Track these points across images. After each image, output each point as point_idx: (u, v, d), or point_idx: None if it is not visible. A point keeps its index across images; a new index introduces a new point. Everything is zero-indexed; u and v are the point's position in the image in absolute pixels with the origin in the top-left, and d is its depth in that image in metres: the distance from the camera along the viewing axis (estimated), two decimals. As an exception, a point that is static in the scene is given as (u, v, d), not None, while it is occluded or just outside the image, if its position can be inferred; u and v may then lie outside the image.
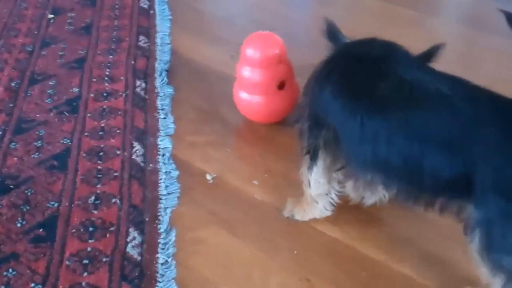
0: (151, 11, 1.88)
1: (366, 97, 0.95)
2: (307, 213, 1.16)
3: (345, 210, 1.18)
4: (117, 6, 1.89)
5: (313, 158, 1.09)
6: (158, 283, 1.01)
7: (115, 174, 1.23)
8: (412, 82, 0.92)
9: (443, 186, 0.90)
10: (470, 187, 0.86)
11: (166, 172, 1.25)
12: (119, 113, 1.41)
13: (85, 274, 1.02)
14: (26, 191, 1.19)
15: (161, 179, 1.23)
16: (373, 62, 0.97)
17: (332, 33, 1.10)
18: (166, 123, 1.39)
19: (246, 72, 1.34)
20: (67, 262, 1.04)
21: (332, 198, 1.13)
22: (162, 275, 1.02)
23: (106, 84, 1.51)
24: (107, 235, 1.09)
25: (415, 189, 0.94)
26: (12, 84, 1.51)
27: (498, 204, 0.84)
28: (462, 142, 0.86)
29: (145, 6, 1.90)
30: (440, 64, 1.01)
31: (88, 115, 1.40)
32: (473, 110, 0.87)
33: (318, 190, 1.12)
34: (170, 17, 1.86)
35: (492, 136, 0.85)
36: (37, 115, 1.40)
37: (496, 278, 0.88)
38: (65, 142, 1.32)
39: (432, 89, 0.90)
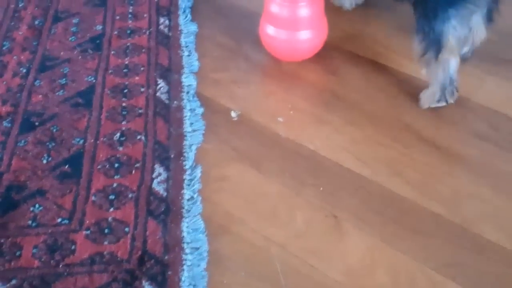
0: None
1: None
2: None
3: (373, 147, 1.16)
4: None
5: None
6: (184, 218, 1.02)
7: (140, 111, 1.22)
8: None
9: None
10: None
11: (190, 109, 1.24)
12: (143, 50, 1.39)
13: (111, 209, 1.03)
14: (52, 128, 1.19)
15: (185, 116, 1.22)
16: None
17: None
18: (190, 61, 1.37)
19: (275, 7, 1.30)
20: (93, 198, 1.05)
21: None
22: (188, 211, 1.03)
23: (130, 22, 1.49)
24: (133, 171, 1.09)
25: None
26: (36, 22, 1.50)
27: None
28: None
29: None
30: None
31: (112, 52, 1.39)
32: None
33: None
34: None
35: None
36: (61, 53, 1.39)
37: (420, 45, 1.18)
38: (89, 79, 1.31)
39: None
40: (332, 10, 1.48)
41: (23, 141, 1.17)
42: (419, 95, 1.26)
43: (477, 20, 1.24)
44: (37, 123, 1.20)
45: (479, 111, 1.24)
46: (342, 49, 1.42)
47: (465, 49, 1.30)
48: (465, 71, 1.34)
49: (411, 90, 1.30)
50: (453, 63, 1.20)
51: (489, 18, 1.25)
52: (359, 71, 1.36)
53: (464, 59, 1.32)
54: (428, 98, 1.25)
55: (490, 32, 1.36)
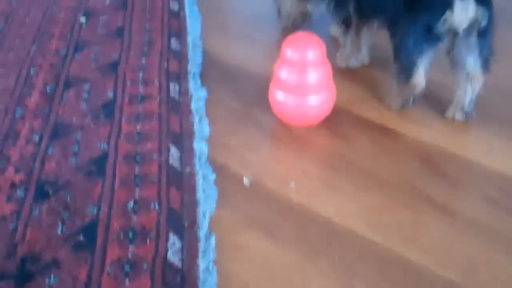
0: (181, 13, 1.88)
1: None
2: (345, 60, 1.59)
3: (385, 213, 1.17)
4: (148, 9, 1.89)
5: (347, 24, 1.54)
6: (199, 289, 1.01)
7: (153, 178, 1.23)
8: None
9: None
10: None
11: (203, 175, 1.25)
12: (154, 116, 1.41)
13: (127, 281, 1.02)
14: (65, 197, 1.20)
15: (198, 183, 1.23)
16: None
17: None
18: (201, 126, 1.39)
19: (284, 73, 1.33)
20: (108, 269, 1.05)
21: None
22: (204, 282, 1.02)
23: (140, 88, 1.51)
24: (147, 241, 1.09)
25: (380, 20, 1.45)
26: (48, 89, 1.53)
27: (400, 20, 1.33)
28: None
29: (175, 9, 1.90)
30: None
31: (124, 119, 1.41)
32: None
33: (351, 47, 1.57)
34: (201, 19, 1.85)
35: None
36: (73, 120, 1.41)
37: (395, 65, 1.38)
38: (102, 146, 1.33)
39: None
40: (339, 73, 1.52)
41: (37, 210, 1.17)
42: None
43: (472, 66, 1.32)
44: (50, 192, 1.21)
45: (489, 175, 1.26)
46: (351, 113, 1.45)
47: (468, 99, 1.36)
48: (473, 134, 1.37)
49: (421, 155, 1.31)
50: (419, 88, 1.37)
51: (486, 67, 1.33)
52: (368, 135, 1.37)
53: (468, 117, 1.37)
54: (391, 102, 1.44)
55: (496, 94, 1.39)
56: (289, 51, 1.33)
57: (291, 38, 1.35)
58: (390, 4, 1.37)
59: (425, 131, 1.38)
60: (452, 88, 1.39)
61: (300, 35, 1.36)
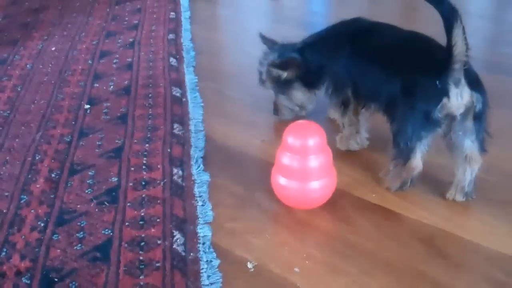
0: (184, 99, 1.93)
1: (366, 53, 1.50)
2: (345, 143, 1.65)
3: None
4: (150, 95, 1.95)
5: (346, 106, 1.59)
6: None
7: (157, 264, 1.24)
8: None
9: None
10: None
11: (207, 261, 1.26)
12: (158, 201, 1.43)
13: None
14: (71, 284, 1.20)
15: (202, 268, 1.23)
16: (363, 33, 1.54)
17: (267, 40, 1.80)
18: (204, 211, 1.41)
19: (286, 159, 1.37)
20: None
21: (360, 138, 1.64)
22: None
23: (144, 173, 1.54)
24: (153, 329, 1.09)
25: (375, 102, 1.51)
26: (53, 175, 1.55)
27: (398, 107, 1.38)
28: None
29: (178, 95, 1.96)
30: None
31: (128, 204, 1.42)
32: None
33: (350, 130, 1.63)
34: (202, 104, 1.91)
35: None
36: (78, 206, 1.43)
37: (393, 151, 1.42)
38: (106, 232, 1.34)
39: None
40: (339, 156, 1.56)
41: (42, 299, 1.17)
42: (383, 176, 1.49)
43: (470, 148, 1.36)
44: (56, 279, 1.21)
45: (492, 257, 1.26)
46: (352, 196, 1.47)
47: (467, 181, 1.39)
48: (473, 215, 1.38)
49: (423, 236, 1.33)
50: (417, 170, 1.41)
51: (483, 148, 1.37)
52: (370, 218, 1.39)
53: (468, 197, 1.40)
54: (388, 183, 1.47)
55: (493, 175, 1.41)
56: (290, 139, 1.37)
57: (292, 126, 1.39)
58: (386, 90, 1.42)
59: (426, 213, 1.39)
60: (451, 170, 1.42)
61: (301, 123, 1.40)
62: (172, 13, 2.77)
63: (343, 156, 1.60)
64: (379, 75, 1.44)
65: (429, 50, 1.38)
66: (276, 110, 1.80)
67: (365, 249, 1.30)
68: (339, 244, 1.32)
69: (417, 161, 1.39)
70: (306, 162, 1.36)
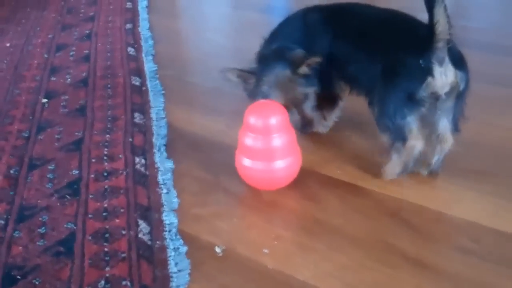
0: (143, 88, 1.90)
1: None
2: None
3: (361, 271, 1.16)
4: (109, 86, 1.91)
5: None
6: None
7: (123, 255, 1.21)
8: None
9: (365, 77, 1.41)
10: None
11: (174, 248, 1.23)
12: (121, 191, 1.39)
13: None
14: (34, 281, 1.16)
15: (169, 256, 1.21)
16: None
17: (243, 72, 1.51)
18: (169, 198, 1.38)
19: (249, 140, 1.35)
20: None
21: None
22: None
23: (106, 164, 1.50)
24: (121, 320, 1.06)
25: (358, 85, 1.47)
26: (11, 172, 1.50)
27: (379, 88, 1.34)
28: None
29: (137, 83, 1.92)
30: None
31: (90, 196, 1.39)
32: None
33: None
34: (163, 92, 1.88)
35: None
36: (39, 201, 1.39)
37: (385, 135, 1.35)
38: (69, 226, 1.30)
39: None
40: (305, 136, 1.54)
41: (5, 298, 1.13)
42: (382, 168, 1.41)
43: (444, 128, 1.34)
44: (19, 277, 1.17)
45: (459, 225, 1.27)
46: (319, 174, 1.46)
47: (435, 159, 1.37)
48: (440, 186, 1.39)
49: (390, 209, 1.32)
50: (418, 147, 1.35)
51: (456, 127, 1.35)
52: (337, 194, 1.38)
53: (433, 173, 1.40)
54: (388, 171, 1.40)
55: (461, 146, 1.42)
56: (252, 119, 1.35)
57: (253, 106, 1.37)
58: (369, 71, 1.38)
59: (393, 186, 1.39)
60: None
61: (262, 103, 1.38)
62: (128, 3, 2.72)
63: (307, 135, 1.58)
64: (363, 57, 1.40)
65: (411, 28, 1.35)
66: (309, 124, 1.58)
67: (333, 225, 1.29)
68: (307, 222, 1.31)
69: (416, 138, 1.34)
70: (269, 142, 1.34)
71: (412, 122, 1.32)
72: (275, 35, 1.56)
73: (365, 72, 1.40)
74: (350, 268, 1.17)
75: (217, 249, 1.23)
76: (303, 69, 1.45)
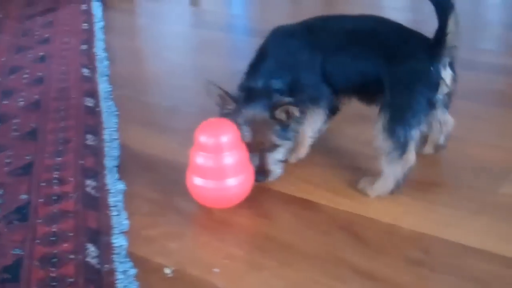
0: (97, 109, 1.88)
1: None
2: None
3: (312, 286, 1.15)
4: (62, 108, 1.88)
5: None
6: None
7: (70, 280, 1.18)
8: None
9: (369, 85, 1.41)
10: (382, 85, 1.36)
11: (123, 271, 1.21)
12: (70, 215, 1.37)
13: None
14: (-23, 310, 1.13)
15: (118, 279, 1.19)
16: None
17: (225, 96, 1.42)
18: (119, 220, 1.36)
19: (200, 159, 1.34)
20: None
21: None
22: None
23: (56, 187, 1.48)
24: None
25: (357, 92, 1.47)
26: (-42, 199, 1.47)
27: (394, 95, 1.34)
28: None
29: (91, 105, 1.90)
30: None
31: (39, 221, 1.36)
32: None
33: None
34: (117, 113, 1.86)
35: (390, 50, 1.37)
36: (-15, 228, 1.35)
37: (388, 142, 1.33)
38: (16, 252, 1.27)
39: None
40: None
41: None
42: (363, 185, 1.41)
43: (443, 114, 1.45)
44: (-39, 307, 1.14)
45: (409, 237, 1.27)
46: (272, 190, 1.45)
47: (442, 138, 1.51)
48: (391, 199, 1.39)
49: (342, 223, 1.32)
50: (411, 162, 1.36)
51: (447, 108, 1.45)
52: (290, 211, 1.38)
53: (441, 148, 1.53)
54: (380, 188, 1.38)
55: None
56: (203, 138, 1.34)
57: (204, 125, 1.36)
58: (374, 80, 1.38)
59: (344, 200, 1.40)
60: (367, 158, 1.43)
61: (212, 122, 1.37)
62: (85, 24, 2.70)
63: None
64: (363, 67, 1.41)
65: (407, 35, 1.40)
66: (264, 175, 1.44)
67: (285, 242, 1.28)
68: (259, 239, 1.30)
69: (412, 151, 1.35)
70: (221, 160, 1.33)
71: (417, 134, 1.35)
72: (257, 68, 1.48)
73: (370, 80, 1.40)
74: (301, 285, 1.17)
75: (167, 270, 1.22)
76: (280, 114, 1.38)
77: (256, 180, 1.41)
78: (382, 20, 1.45)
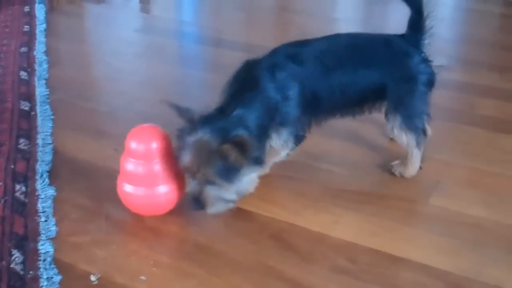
0: (32, 113, 1.84)
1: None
2: None
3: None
4: (-5, 111, 1.84)
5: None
6: None
7: (-9, 287, 1.15)
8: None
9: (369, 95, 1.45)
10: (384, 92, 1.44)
11: (47, 278, 1.18)
12: (-3, 221, 1.34)
13: None
14: None
15: (42, 286, 1.16)
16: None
17: (182, 110, 1.30)
18: (47, 226, 1.33)
19: (130, 165, 1.32)
20: None
21: None
22: None
23: (-17, 193, 1.44)
24: None
25: (351, 106, 1.47)
26: None
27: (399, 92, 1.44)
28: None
29: (26, 108, 1.86)
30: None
31: (-37, 228, 1.32)
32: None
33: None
34: (52, 117, 1.82)
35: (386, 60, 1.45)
36: None
37: (411, 135, 1.46)
38: None
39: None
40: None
41: None
42: (400, 170, 1.52)
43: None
44: None
45: (338, 245, 1.29)
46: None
47: None
48: (322, 208, 1.41)
49: (272, 232, 1.33)
50: (430, 133, 1.54)
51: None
52: (221, 218, 1.37)
53: None
54: (413, 169, 1.52)
55: (342, 167, 1.44)
56: (133, 144, 1.32)
57: (134, 131, 1.35)
58: (374, 88, 1.44)
59: (277, 209, 1.40)
60: (302, 167, 1.44)
61: (143, 128, 1.36)
62: (26, 26, 2.64)
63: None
64: (363, 81, 1.43)
65: (381, 40, 1.48)
66: (202, 204, 1.29)
67: (214, 250, 1.28)
68: (188, 247, 1.30)
69: (429, 127, 1.52)
70: (151, 167, 1.32)
71: (428, 112, 1.49)
72: (240, 95, 1.33)
73: (368, 94, 1.45)
74: (227, 293, 1.17)
75: (92, 278, 1.20)
76: (228, 150, 1.21)
77: (192, 207, 1.30)
78: (352, 35, 1.52)
